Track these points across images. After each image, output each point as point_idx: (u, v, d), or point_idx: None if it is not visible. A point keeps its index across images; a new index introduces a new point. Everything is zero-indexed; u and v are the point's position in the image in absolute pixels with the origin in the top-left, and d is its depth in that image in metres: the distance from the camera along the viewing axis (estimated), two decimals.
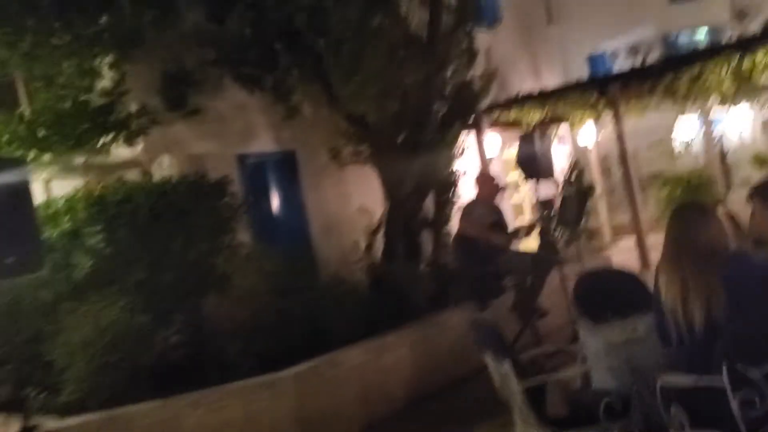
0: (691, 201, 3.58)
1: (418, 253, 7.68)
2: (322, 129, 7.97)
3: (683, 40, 16.66)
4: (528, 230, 6.60)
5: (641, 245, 10.17)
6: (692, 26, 16.36)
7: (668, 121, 15.38)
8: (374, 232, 7.92)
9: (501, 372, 3.13)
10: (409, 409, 5.46)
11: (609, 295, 3.86)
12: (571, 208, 6.14)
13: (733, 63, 8.86)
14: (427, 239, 7.77)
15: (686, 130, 16.27)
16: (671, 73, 9.39)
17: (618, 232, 13.70)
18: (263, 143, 8.00)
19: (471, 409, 5.30)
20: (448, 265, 7.36)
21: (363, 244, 7.87)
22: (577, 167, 8.11)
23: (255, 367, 4.92)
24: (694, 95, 10.76)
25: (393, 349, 5.52)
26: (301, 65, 6.96)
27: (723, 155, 15.80)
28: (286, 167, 8.49)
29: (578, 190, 6.33)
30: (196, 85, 7.14)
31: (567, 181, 6.80)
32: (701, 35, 16.84)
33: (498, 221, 6.55)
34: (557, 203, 6.50)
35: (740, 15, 17.29)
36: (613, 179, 14.03)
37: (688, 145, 14.78)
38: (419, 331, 5.84)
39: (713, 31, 16.49)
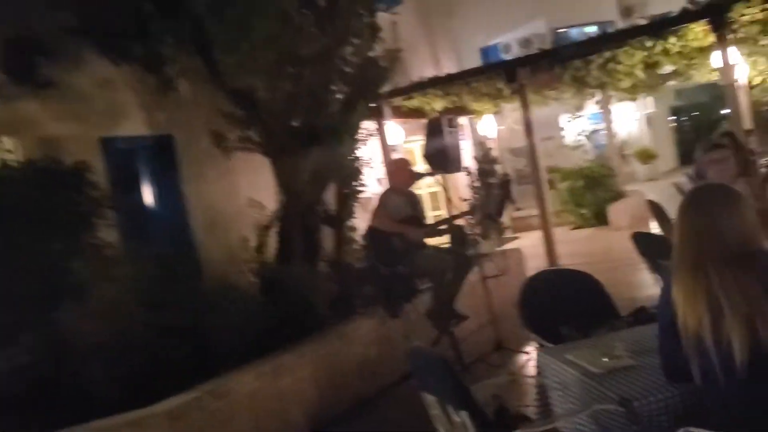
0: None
1: (317, 252, 6.78)
2: (205, 110, 6.96)
3: (573, 35, 16.81)
4: (451, 224, 5.82)
5: (549, 240, 9.71)
6: (581, 23, 16.57)
7: (556, 117, 15.47)
8: (266, 228, 6.97)
9: (452, 421, 2.28)
10: None
11: (566, 304, 3.12)
12: (493, 199, 5.42)
13: (646, 50, 8.53)
14: (327, 236, 6.88)
15: (579, 124, 16.42)
16: (583, 57, 8.96)
17: (520, 228, 13.42)
18: (134, 125, 6.84)
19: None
20: (352, 265, 6.50)
21: (253, 243, 6.91)
22: (492, 158, 7.52)
23: (121, 400, 3.87)
24: (603, 83, 10.47)
25: (292, 369, 4.60)
26: (177, 32, 5.88)
27: (621, 148, 15.89)
28: (162, 154, 7.36)
29: (501, 182, 5.62)
30: (49, 54, 5.93)
31: (484, 172, 6.16)
32: (590, 31, 17.09)
33: (415, 213, 5.75)
34: (478, 195, 5.81)
35: (627, 12, 17.64)
36: (513, 173, 13.77)
37: (588, 137, 14.69)
38: (322, 345, 4.94)
39: (602, 28, 16.72)
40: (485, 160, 7.25)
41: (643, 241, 4.30)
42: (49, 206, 4.77)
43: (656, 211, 6.22)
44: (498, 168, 7.42)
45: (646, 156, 22.63)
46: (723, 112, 31.34)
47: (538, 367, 2.72)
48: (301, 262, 6.31)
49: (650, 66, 9.47)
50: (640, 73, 9.45)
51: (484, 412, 2.24)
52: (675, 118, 30.34)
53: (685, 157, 27.77)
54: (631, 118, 21.58)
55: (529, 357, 5.50)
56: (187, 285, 5.24)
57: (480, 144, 9.96)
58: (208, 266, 7.14)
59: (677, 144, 29.44)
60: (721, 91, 27.36)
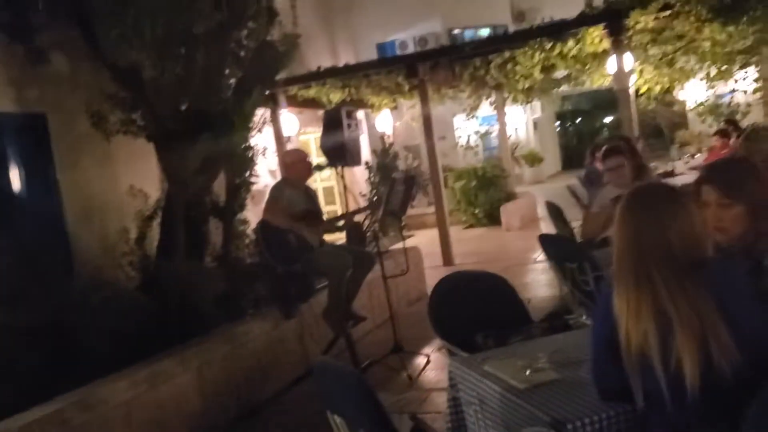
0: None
1: (203, 246, 6.31)
2: (84, 88, 6.36)
3: (468, 35, 17.09)
4: (350, 220, 5.51)
5: (445, 239, 9.64)
6: (475, 25, 16.92)
7: (449, 118, 15.64)
8: (149, 219, 6.44)
9: None
10: None
11: (479, 309, 2.90)
12: (397, 196, 5.16)
13: (545, 51, 8.59)
14: (215, 230, 6.42)
15: (471, 125, 16.68)
16: (483, 55, 8.93)
17: (413, 226, 13.34)
18: None
19: None
20: (243, 261, 6.09)
21: (134, 235, 6.36)
22: (392, 152, 7.28)
23: None
24: (500, 84, 10.52)
25: (173, 376, 4.15)
26: None
27: (513, 150, 16.19)
28: (33, 135, 6.64)
29: (406, 177, 5.37)
30: None
31: (385, 167, 5.91)
32: (484, 33, 17.42)
33: (312, 208, 5.40)
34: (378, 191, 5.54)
35: (519, 16, 18.14)
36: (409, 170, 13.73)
37: (481, 138, 14.84)
38: (207, 349, 4.51)
39: (495, 31, 17.11)
40: (386, 154, 7.01)
41: (549, 244, 4.19)
42: None
43: (554, 212, 6.20)
44: (398, 163, 7.23)
45: (533, 159, 23.37)
46: (606, 120, 33.00)
47: (452, 378, 2.47)
48: (186, 257, 5.84)
49: (546, 69, 9.58)
50: (537, 75, 9.53)
51: None
52: (559, 123, 31.65)
53: (569, 161, 29.03)
54: (520, 122, 22.21)
55: (428, 360, 5.31)
56: (52, 279, 4.68)
57: (380, 138, 9.73)
58: (82, 260, 6.53)
59: (561, 148, 30.68)
60: (604, 99, 28.64)
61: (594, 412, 1.89)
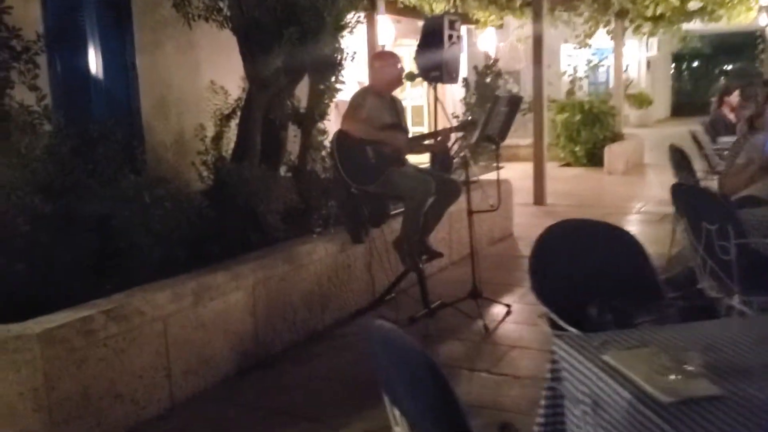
0: None
1: (279, 154, 5.83)
2: None
3: None
4: (443, 140, 4.82)
5: (539, 176, 8.84)
6: None
7: (556, 46, 14.39)
8: (227, 119, 5.98)
9: None
10: (236, 384, 3.72)
11: (596, 273, 2.24)
12: (498, 117, 4.44)
13: None
14: (293, 137, 5.91)
15: (582, 55, 15.39)
16: None
17: (504, 157, 12.51)
18: None
19: (324, 388, 3.66)
20: (317, 175, 5.55)
21: (210, 134, 5.94)
22: (497, 71, 6.49)
23: None
24: (626, 9, 9.37)
25: (222, 292, 3.69)
26: None
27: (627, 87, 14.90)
28: (114, 13, 6.23)
29: (510, 99, 4.62)
30: None
31: (486, 87, 5.18)
32: None
33: (398, 121, 4.75)
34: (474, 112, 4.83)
35: None
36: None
37: (591, 70, 13.61)
38: (266, 265, 4.03)
39: None
40: (488, 72, 6.25)
41: (683, 196, 3.42)
42: None
43: (679, 159, 5.34)
44: (501, 84, 6.48)
45: (642, 101, 21.73)
46: (726, 67, 30.43)
47: (554, 362, 1.85)
48: (260, 163, 5.37)
49: None
50: (674, 1, 8.36)
51: None
52: (674, 65, 29.29)
53: (680, 107, 26.96)
54: (632, 59, 20.53)
55: (509, 310, 4.70)
56: (113, 172, 4.28)
57: (484, 57, 8.86)
58: (155, 155, 6.17)
59: (673, 92, 28.49)
60: (731, 43, 26.16)
61: None
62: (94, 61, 6.03)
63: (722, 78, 31.09)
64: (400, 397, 1.46)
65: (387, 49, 9.83)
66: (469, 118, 6.03)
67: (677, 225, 4.92)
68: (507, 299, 4.93)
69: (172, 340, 3.36)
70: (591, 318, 2.09)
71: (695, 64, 31.02)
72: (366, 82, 9.38)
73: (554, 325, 2.15)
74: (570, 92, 12.51)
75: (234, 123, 5.86)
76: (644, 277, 2.34)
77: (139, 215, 3.86)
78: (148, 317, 3.23)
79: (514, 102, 4.60)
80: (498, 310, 4.73)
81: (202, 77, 6.53)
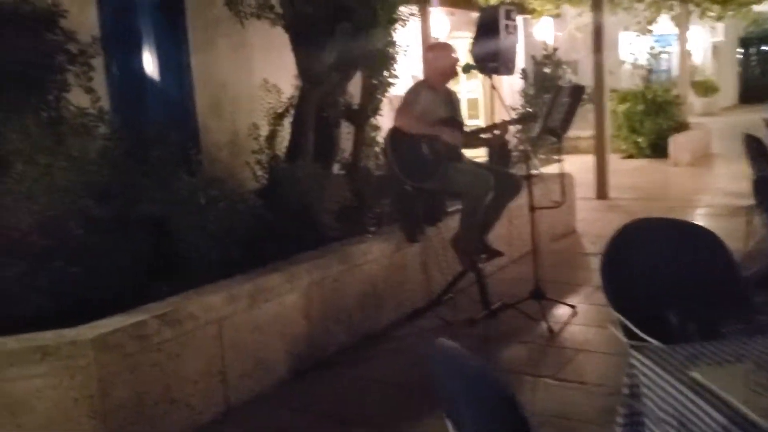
0: None
1: (332, 151, 5.74)
2: None
3: None
4: (498, 133, 4.63)
5: (602, 169, 8.53)
6: None
7: (615, 33, 13.89)
8: (280, 117, 5.92)
9: None
10: (291, 388, 3.64)
11: (676, 276, 2.05)
12: (560, 110, 4.24)
13: None
14: (346, 134, 5.82)
15: (643, 43, 14.86)
16: None
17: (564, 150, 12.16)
18: None
19: (379, 392, 3.54)
20: (371, 172, 5.45)
21: (264, 132, 5.91)
22: (557, 60, 6.26)
23: (40, 314, 2.95)
24: None
25: (277, 294, 3.61)
26: None
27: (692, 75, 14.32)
28: (168, 14, 6.26)
29: (573, 89, 4.40)
30: None
31: (546, 77, 4.98)
32: None
33: (453, 115, 4.59)
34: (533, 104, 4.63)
35: None
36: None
37: (653, 58, 13.10)
38: (320, 266, 3.93)
39: None
40: (548, 62, 6.01)
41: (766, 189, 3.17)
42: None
43: (755, 149, 5.02)
44: (561, 73, 6.23)
45: (707, 88, 20.88)
46: None
47: (632, 376, 1.68)
48: (313, 161, 5.30)
49: None
50: None
51: None
52: (743, 51, 28.07)
53: (747, 94, 25.81)
54: (697, 46, 19.74)
55: (575, 311, 4.49)
56: (170, 173, 4.25)
57: (542, 46, 8.60)
58: (210, 155, 6.18)
59: (740, 79, 27.30)
60: None
61: None
62: (150, 63, 6.08)
63: None
64: (468, 423, 1.32)
65: (442, 41, 9.67)
66: (529, 109, 5.80)
67: (755, 218, 4.65)
68: (572, 299, 4.71)
69: (228, 344, 3.30)
70: (672, 327, 1.91)
71: (765, 47, 29.65)
72: (420, 77, 9.28)
73: (630, 334, 1.98)
74: (645, 79, 12.03)
75: (287, 121, 5.80)
76: (729, 280, 2.14)
77: (194, 216, 3.82)
78: (202, 321, 3.17)
79: (577, 92, 4.38)
80: (562, 311, 4.52)
81: (256, 76, 6.50)
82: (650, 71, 12.20)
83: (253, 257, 3.83)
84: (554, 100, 4.22)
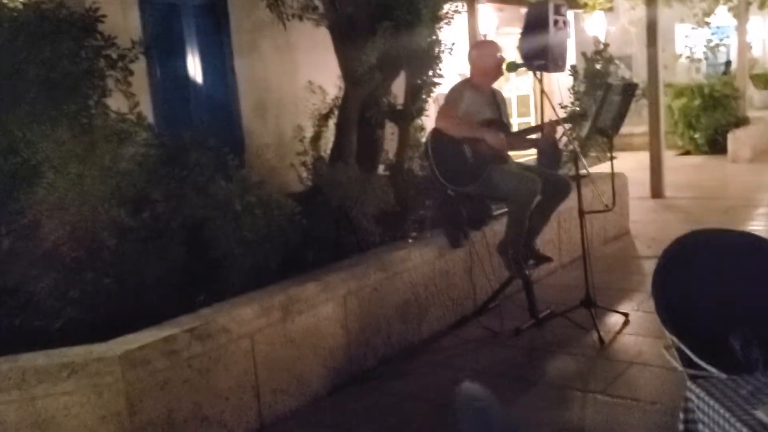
0: None
1: (376, 153, 5.63)
2: None
3: None
4: (549, 132, 4.41)
5: (657, 167, 8.20)
6: None
7: (670, 26, 13.38)
8: (325, 119, 5.85)
9: None
10: (327, 403, 3.52)
11: (740, 296, 1.85)
12: (611, 109, 4.02)
13: None
14: (391, 135, 5.70)
15: (701, 35, 14.32)
16: None
17: (616, 147, 11.78)
18: None
19: (418, 410, 3.38)
20: (414, 174, 5.30)
21: (308, 134, 5.84)
22: (608, 56, 6.00)
23: (71, 327, 2.92)
24: None
25: (313, 305, 3.50)
26: None
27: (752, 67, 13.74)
28: (212, 17, 6.26)
29: (625, 86, 4.17)
30: None
31: (597, 74, 4.73)
32: None
33: (498, 116, 4.40)
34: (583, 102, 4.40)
35: None
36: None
37: (711, 51, 12.57)
38: (358, 274, 3.80)
39: None
40: (599, 58, 5.76)
41: None
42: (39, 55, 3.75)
43: None
44: (613, 70, 5.97)
45: (766, 81, 20.02)
46: None
47: (688, 411, 1.50)
48: (357, 163, 5.20)
49: None
50: None
51: None
52: None
53: None
54: (756, 37, 18.91)
55: (627, 320, 4.26)
56: (204, 176, 4.18)
57: (593, 41, 8.30)
58: (255, 158, 6.15)
59: None
60: None
61: None
62: (193, 66, 6.07)
63: None
64: None
65: (489, 38, 9.44)
66: (578, 108, 5.57)
67: None
68: (624, 307, 4.48)
69: (260, 358, 3.20)
70: (734, 353, 1.71)
71: None
72: (467, 75, 9.08)
73: (686, 360, 1.79)
74: (725, 74, 11.59)
75: (332, 123, 5.72)
76: None
77: (230, 223, 3.75)
78: (234, 335, 3.08)
79: (628, 90, 4.15)
80: (614, 319, 4.29)
81: (300, 77, 6.46)
82: (708, 64, 11.72)
83: (290, 265, 3.73)
84: (604, 99, 4.00)
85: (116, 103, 4.25)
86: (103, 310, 3.02)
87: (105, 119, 4.04)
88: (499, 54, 4.39)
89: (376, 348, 3.87)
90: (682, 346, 1.79)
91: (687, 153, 11.74)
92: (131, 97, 4.43)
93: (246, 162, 5.87)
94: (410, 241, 4.34)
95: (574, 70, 5.98)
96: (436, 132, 4.23)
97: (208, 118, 5.94)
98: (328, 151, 5.63)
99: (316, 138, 5.85)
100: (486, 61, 4.35)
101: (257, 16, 6.21)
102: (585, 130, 4.07)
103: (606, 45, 6.12)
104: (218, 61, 6.31)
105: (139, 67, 4.65)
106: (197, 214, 3.71)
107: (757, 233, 2.24)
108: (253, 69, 6.45)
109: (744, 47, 12.15)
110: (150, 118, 4.86)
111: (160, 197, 3.65)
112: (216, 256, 3.59)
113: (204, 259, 3.57)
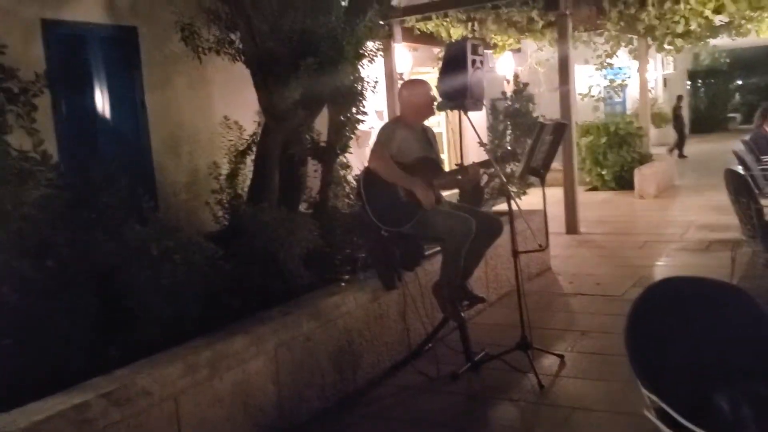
0: None
1: (299, 191, 5.44)
2: (181, 1, 5.61)
3: None
4: (474, 173, 4.31)
5: (571, 204, 8.37)
6: None
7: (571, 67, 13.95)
8: (242, 155, 5.61)
9: None
10: None
11: (716, 347, 1.76)
12: (542, 147, 3.99)
13: None
14: (313, 173, 5.53)
15: (595, 76, 14.99)
16: None
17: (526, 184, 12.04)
18: (88, 10, 5.44)
19: None
20: (340, 212, 5.13)
21: (224, 171, 5.57)
22: (528, 95, 6.07)
23: None
24: (653, 26, 8.94)
25: (241, 360, 3.23)
26: None
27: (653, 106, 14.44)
28: (122, 50, 5.89)
29: (557, 124, 4.17)
30: None
31: (517, 113, 4.74)
32: None
33: (430, 153, 4.30)
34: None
35: None
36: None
37: (614, 91, 13.12)
38: (289, 324, 3.56)
39: None
40: (519, 97, 5.81)
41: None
42: None
43: (737, 183, 4.86)
44: (531, 108, 6.04)
45: (660, 119, 21.23)
46: (739, 82, 30.09)
47: None
48: (279, 202, 4.98)
49: (716, 10, 7.96)
50: (710, 15, 7.93)
51: None
52: (690, 83, 28.69)
53: (697, 125, 26.39)
54: (650, 78, 20.03)
55: (562, 361, 4.19)
56: (115, 219, 3.85)
57: (513, 78, 8.45)
58: (167, 197, 5.82)
59: (691, 110, 27.89)
60: (747, 58, 25.82)
61: None
62: (101, 100, 5.70)
63: (737, 94, 30.78)
64: None
65: (405, 76, 9.48)
66: (509, 148, 5.59)
67: (737, 254, 4.49)
68: (557, 347, 4.42)
69: (186, 422, 2.90)
70: (717, 409, 1.61)
71: (711, 80, 30.47)
72: (383, 111, 9.04)
73: (671, 422, 1.67)
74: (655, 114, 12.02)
75: (249, 159, 5.49)
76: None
77: (146, 270, 3.44)
78: (157, 397, 2.77)
79: (559, 130, 4.15)
80: (550, 361, 4.22)
81: (216, 112, 6.20)
82: (606, 103, 12.25)
83: (213, 313, 3.45)
84: (537, 138, 3.98)
85: (18, 140, 3.89)
86: (3, 376, 2.65)
87: (5, 158, 3.68)
88: (430, 93, 4.32)
89: (310, 401, 3.63)
90: (667, 408, 1.67)
91: (595, 189, 12.13)
92: (35, 134, 4.07)
93: (157, 200, 5.54)
94: (342, 284, 4.14)
95: (493, 108, 6.03)
96: (368, 172, 4.08)
97: (118, 154, 5.59)
98: (246, 189, 5.39)
99: (233, 175, 5.58)
100: (418, 99, 4.27)
101: (170, 49, 5.93)
102: (519, 170, 4.01)
103: (526, 84, 6.20)
104: (128, 95, 5.96)
105: (44, 101, 4.31)
106: (109, 261, 3.39)
107: (720, 279, 2.18)
108: (165, 103, 6.14)
109: (645, 87, 12.78)
110: (55, 156, 4.48)
111: (66, 243, 3.30)
112: (131, 306, 3.28)
113: (118, 310, 3.24)
